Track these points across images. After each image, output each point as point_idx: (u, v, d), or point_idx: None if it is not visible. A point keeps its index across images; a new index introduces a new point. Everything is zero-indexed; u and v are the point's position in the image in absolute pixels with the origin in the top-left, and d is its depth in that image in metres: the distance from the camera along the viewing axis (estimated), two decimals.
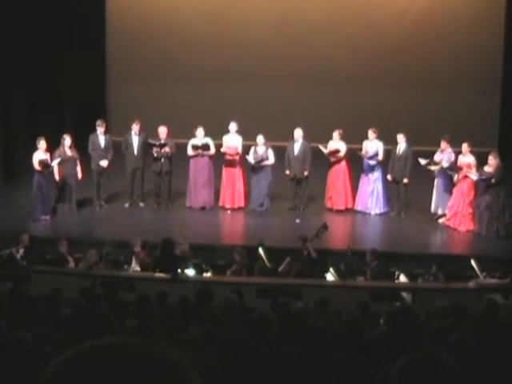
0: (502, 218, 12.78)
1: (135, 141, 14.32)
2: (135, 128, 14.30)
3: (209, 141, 14.13)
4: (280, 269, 10.87)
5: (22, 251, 11.17)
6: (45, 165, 13.21)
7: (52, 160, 13.37)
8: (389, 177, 14.02)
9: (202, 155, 14.13)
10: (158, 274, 10.40)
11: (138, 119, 14.44)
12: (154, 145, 14.07)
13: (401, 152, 13.93)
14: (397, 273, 10.71)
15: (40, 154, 13.25)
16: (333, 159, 14.09)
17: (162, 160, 14.15)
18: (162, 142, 14.10)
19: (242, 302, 7.66)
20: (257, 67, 18.42)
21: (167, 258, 10.56)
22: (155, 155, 14.11)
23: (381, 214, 14.06)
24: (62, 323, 5.99)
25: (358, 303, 7.57)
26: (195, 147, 14.07)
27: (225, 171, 14.28)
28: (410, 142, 14.01)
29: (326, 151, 14.03)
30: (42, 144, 13.28)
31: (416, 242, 12.66)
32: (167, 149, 14.08)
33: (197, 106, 17.99)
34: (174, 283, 9.76)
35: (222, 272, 11.21)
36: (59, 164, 13.51)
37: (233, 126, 14.20)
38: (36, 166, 13.19)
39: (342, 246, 11.75)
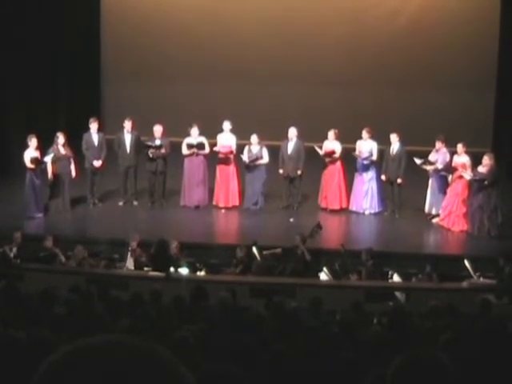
0: (493, 218, 12.77)
1: (127, 139, 14.29)
2: (127, 125, 14.26)
3: (203, 140, 14.11)
4: (265, 252, 10.91)
5: (15, 249, 11.11)
6: (37, 162, 13.15)
7: (43, 158, 13.32)
8: (383, 177, 14.02)
9: (197, 154, 14.10)
10: (151, 273, 10.37)
11: (131, 117, 14.42)
12: (150, 146, 14.03)
13: (394, 152, 13.91)
14: (390, 272, 10.71)
15: (31, 152, 13.20)
16: (328, 159, 14.07)
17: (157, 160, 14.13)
18: (158, 143, 14.06)
19: (236, 301, 7.65)
20: (251, 66, 18.40)
21: (161, 257, 10.53)
22: (151, 156, 14.08)
23: (375, 214, 14.05)
24: (56, 321, 5.96)
25: (352, 303, 7.56)
26: (190, 146, 14.05)
27: (219, 170, 14.26)
28: (403, 141, 14.00)
29: (321, 152, 14.02)
30: (34, 142, 13.23)
31: (410, 242, 12.66)
32: (163, 150, 14.06)
33: (191, 105, 17.96)
34: (167, 282, 9.73)
35: (216, 271, 11.18)
36: (52, 162, 13.47)
37: (227, 125, 14.17)
38: (28, 163, 13.13)
39: (336, 246, 11.73)
